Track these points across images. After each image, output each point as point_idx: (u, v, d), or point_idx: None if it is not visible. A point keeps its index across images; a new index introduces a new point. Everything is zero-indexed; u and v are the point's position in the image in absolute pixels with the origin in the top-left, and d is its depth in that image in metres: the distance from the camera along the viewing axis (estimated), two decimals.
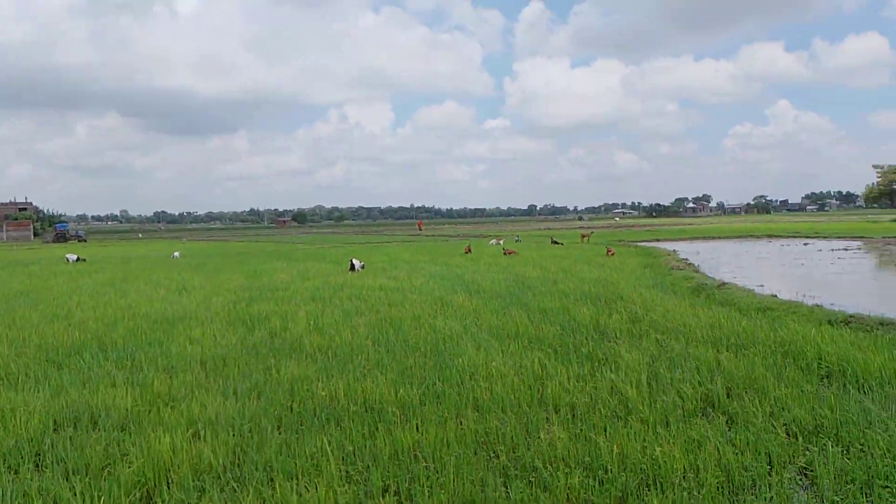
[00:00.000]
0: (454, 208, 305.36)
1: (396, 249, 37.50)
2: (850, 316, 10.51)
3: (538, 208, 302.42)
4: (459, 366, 7.78)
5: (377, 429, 5.78)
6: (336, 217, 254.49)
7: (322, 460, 5.04)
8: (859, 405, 6.01)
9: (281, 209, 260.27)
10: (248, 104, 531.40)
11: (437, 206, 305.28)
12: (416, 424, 5.84)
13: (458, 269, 21.84)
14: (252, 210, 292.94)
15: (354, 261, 22.31)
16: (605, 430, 5.59)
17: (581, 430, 5.62)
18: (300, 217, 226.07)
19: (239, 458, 5.22)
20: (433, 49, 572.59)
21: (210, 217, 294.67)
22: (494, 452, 5.25)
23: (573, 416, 6.06)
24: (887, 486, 4.42)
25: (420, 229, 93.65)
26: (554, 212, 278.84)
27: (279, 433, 5.78)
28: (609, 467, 4.80)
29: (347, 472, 4.94)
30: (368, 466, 4.97)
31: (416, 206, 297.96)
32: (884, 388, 6.66)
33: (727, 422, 5.79)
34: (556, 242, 38.21)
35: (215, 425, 5.90)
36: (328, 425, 5.92)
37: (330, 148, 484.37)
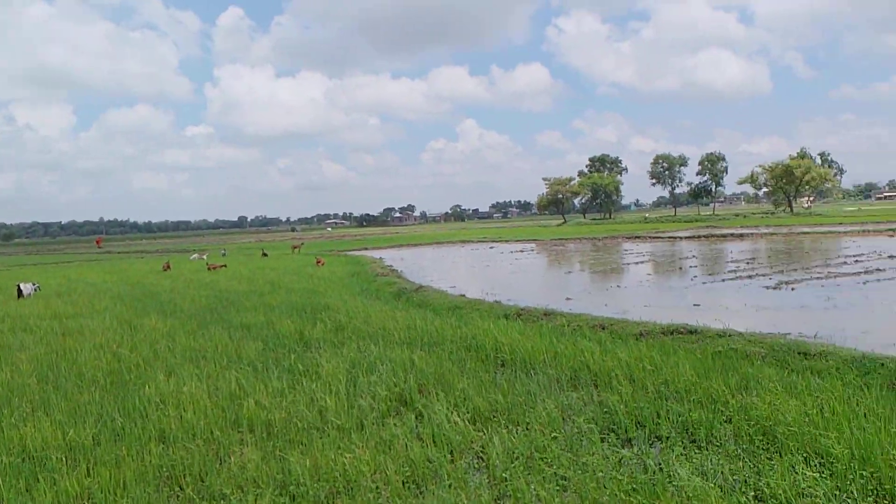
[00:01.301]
0: (153, 221, 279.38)
1: (79, 270, 33.08)
2: (522, 309, 12.01)
3: (249, 220, 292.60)
4: (145, 396, 7.06)
5: (38, 479, 4.95)
6: (3, 235, 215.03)
7: None
8: (525, 388, 6.85)
9: None
10: None
11: (132, 220, 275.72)
12: (87, 468, 5.13)
13: (152, 287, 20.02)
14: None
15: (23, 285, 19.11)
16: (302, 444, 5.53)
17: (276, 447, 5.48)
18: None
19: None
20: (120, 47, 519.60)
21: None
22: (179, 486, 4.83)
23: (269, 433, 5.88)
24: (544, 458, 5.08)
25: (99, 246, 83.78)
26: (266, 223, 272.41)
27: None
28: (302, 481, 4.73)
29: None
30: None
31: (106, 219, 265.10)
32: (546, 370, 7.68)
33: (417, 417, 6.13)
34: (265, 255, 37.33)
35: None
36: None
37: None
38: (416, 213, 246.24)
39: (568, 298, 15.03)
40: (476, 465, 5.14)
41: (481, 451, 5.33)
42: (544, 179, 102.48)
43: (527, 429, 5.70)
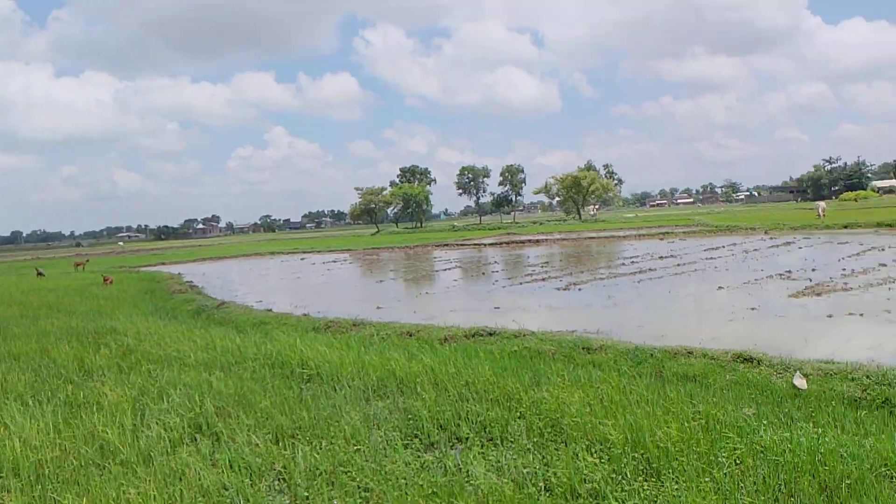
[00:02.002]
0: None
1: None
2: (331, 321, 11.86)
3: (24, 235, 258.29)
4: None
5: None
6: None
7: None
8: (331, 402, 6.73)
9: None
10: None
11: None
12: None
13: None
14: None
15: None
16: (78, 484, 4.93)
17: (46, 490, 4.83)
18: None
19: None
20: None
21: None
22: None
23: (38, 476, 5.17)
24: (347, 471, 5.00)
25: None
26: (46, 238, 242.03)
27: None
28: None
29: None
30: None
31: None
32: (352, 382, 7.62)
33: (214, 443, 5.76)
34: (40, 274, 33.17)
35: None
36: None
37: None
38: (222, 225, 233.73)
39: (379, 307, 15.13)
40: (278, 487, 4.93)
41: (283, 471, 5.13)
42: (357, 189, 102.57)
43: (331, 443, 5.59)
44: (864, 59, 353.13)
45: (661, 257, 24.20)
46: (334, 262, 34.67)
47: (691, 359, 7.62)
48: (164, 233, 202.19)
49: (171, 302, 17.38)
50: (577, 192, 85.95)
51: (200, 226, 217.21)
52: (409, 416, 6.15)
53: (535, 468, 4.79)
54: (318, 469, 5.06)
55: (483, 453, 5.15)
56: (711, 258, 23.01)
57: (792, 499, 4.26)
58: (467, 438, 5.54)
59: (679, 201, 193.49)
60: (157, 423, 6.21)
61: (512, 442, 5.35)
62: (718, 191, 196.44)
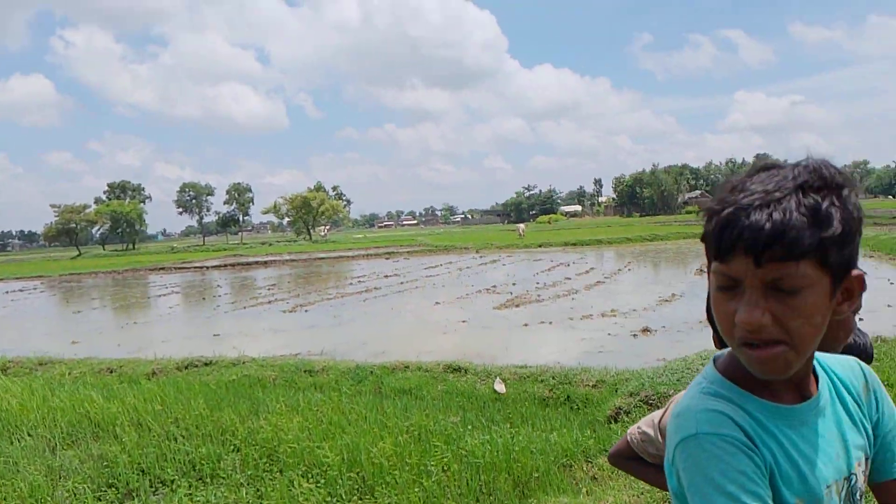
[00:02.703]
0: None
1: None
2: (9, 361, 10.08)
3: None
4: None
5: None
6: None
7: None
8: (4, 458, 5.67)
9: None
10: None
11: None
12: None
13: None
14: None
15: None
16: None
17: None
18: None
19: None
20: None
21: None
22: None
23: None
24: None
25: None
26: None
27: None
28: None
29: None
30: None
31: None
32: (36, 431, 6.52)
33: None
34: None
35: None
36: None
37: None
38: None
39: (74, 342, 13.27)
40: None
41: None
42: (53, 206, 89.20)
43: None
44: (552, 100, 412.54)
45: (386, 276, 25.18)
46: (21, 290, 29.72)
47: (407, 372, 7.98)
48: None
49: None
50: (308, 213, 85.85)
51: None
52: (105, 464, 5.43)
53: (247, 501, 4.54)
54: None
55: (190, 495, 4.74)
56: (431, 276, 24.58)
57: (490, 497, 4.64)
58: (172, 481, 5.06)
59: (405, 222, 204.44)
60: None
61: (224, 478, 5.02)
62: (438, 213, 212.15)
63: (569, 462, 5.27)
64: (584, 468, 5.16)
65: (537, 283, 19.45)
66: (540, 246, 39.43)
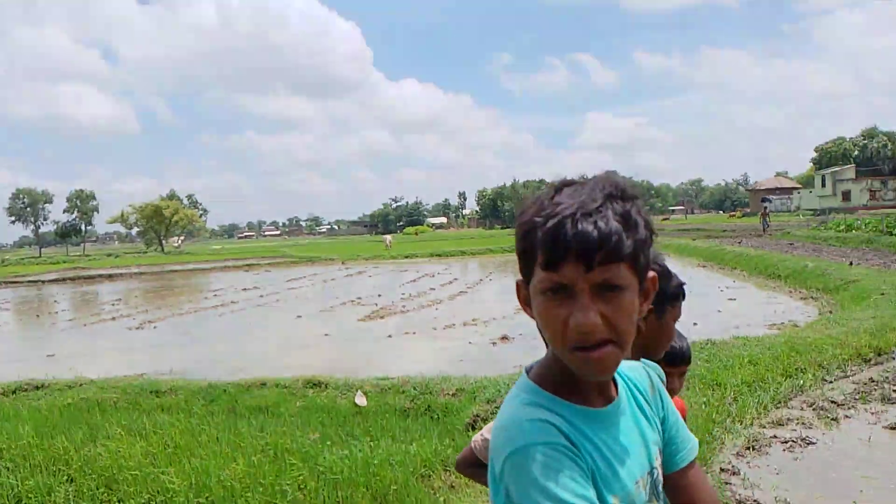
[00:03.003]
0: None
1: None
2: None
3: None
4: None
5: None
6: None
7: None
8: None
9: None
10: None
11: None
12: None
13: None
14: None
15: None
16: None
17: None
18: None
19: None
20: None
21: None
22: None
23: None
24: None
25: None
26: None
27: None
28: None
29: None
30: None
31: None
32: None
33: None
34: None
35: None
36: None
37: None
38: None
39: None
40: None
41: None
42: None
43: None
44: (418, 114, 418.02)
45: (245, 289, 24.21)
46: None
47: (265, 390, 7.69)
48: None
49: None
50: (160, 223, 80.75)
51: None
52: None
53: None
54: None
55: None
56: (293, 288, 23.95)
57: None
58: None
59: (267, 233, 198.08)
60: None
61: None
62: (303, 224, 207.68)
63: (427, 472, 5.31)
64: (443, 477, 5.22)
65: (403, 294, 19.53)
66: (406, 257, 39.68)
